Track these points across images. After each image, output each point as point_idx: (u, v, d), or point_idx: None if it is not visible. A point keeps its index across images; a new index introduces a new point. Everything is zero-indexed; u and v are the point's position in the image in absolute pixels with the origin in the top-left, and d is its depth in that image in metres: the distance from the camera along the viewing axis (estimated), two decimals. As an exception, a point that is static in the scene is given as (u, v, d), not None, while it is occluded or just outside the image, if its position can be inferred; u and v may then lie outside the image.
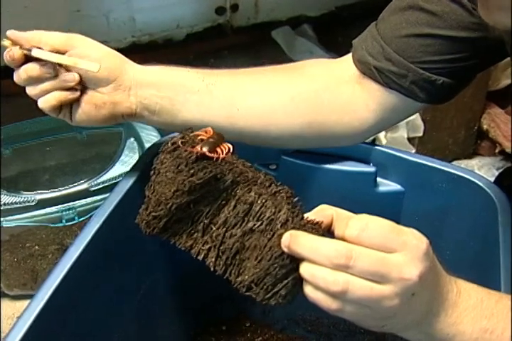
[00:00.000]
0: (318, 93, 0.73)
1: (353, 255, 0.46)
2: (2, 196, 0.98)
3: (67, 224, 1.00)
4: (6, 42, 0.65)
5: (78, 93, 0.67)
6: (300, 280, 0.50)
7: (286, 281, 0.51)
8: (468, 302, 0.52)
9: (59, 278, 0.61)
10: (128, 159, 1.07)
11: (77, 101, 0.67)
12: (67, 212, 0.99)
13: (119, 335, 0.79)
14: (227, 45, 1.64)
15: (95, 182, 1.02)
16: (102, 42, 0.69)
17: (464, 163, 1.55)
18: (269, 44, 1.64)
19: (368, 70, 0.71)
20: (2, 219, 0.97)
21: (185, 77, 0.71)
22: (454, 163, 1.54)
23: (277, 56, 1.59)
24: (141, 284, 0.83)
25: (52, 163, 1.12)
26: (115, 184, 0.74)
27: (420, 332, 0.52)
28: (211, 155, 0.55)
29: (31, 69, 0.64)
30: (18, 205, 0.98)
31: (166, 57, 1.53)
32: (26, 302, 0.59)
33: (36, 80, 0.65)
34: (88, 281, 0.68)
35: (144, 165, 0.75)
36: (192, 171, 0.53)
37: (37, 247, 1.09)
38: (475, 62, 0.68)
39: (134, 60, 0.71)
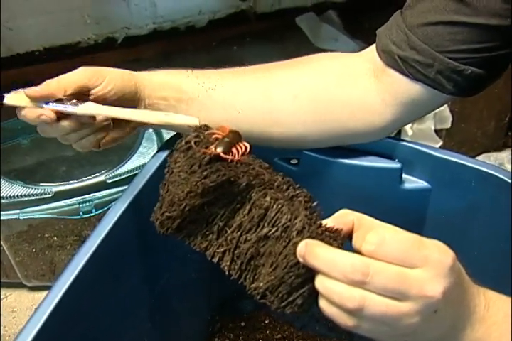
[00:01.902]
0: (327, 89, 0.70)
1: (370, 271, 0.43)
2: (19, 188, 0.98)
3: (84, 216, 0.99)
4: (22, 102, 0.60)
5: (111, 127, 0.67)
6: (317, 290, 0.47)
7: (302, 291, 0.49)
8: (497, 316, 0.49)
9: (75, 272, 0.60)
10: (146, 151, 1.05)
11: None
12: (85, 205, 0.98)
13: (138, 332, 0.78)
14: (251, 32, 1.61)
15: (112, 174, 1.01)
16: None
17: (493, 156, 1.51)
18: (293, 31, 1.61)
19: (392, 60, 0.67)
20: (19, 211, 0.96)
21: (186, 83, 0.71)
22: (483, 155, 1.50)
23: (301, 43, 1.56)
24: (159, 280, 0.82)
25: (70, 154, 1.10)
26: (133, 176, 0.73)
27: None
28: (225, 156, 0.53)
29: (72, 124, 0.63)
30: (34, 197, 0.97)
31: (188, 44, 1.51)
32: (44, 293, 0.59)
33: (75, 131, 0.64)
34: (104, 276, 0.67)
35: (163, 158, 0.74)
36: (205, 173, 0.51)
37: (55, 238, 1.08)
38: (507, 52, 0.64)
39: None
